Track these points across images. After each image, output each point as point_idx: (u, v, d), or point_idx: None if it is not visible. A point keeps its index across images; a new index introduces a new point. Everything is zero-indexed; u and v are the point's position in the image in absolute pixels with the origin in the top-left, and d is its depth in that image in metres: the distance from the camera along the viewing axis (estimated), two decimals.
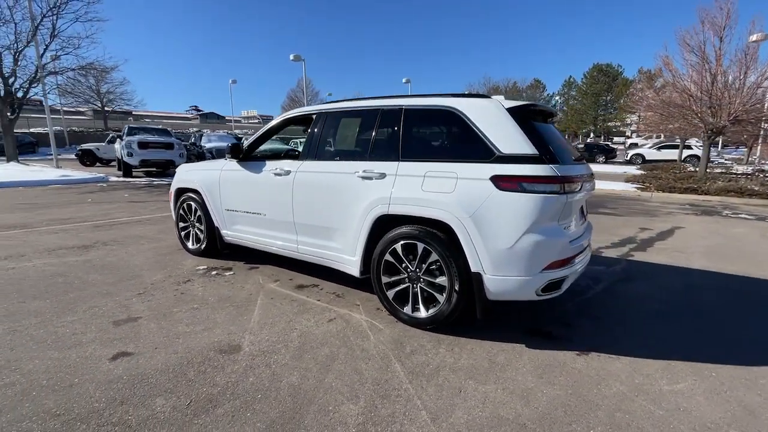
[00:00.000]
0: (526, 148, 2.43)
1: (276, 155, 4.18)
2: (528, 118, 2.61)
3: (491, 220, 2.40)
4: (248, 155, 3.89)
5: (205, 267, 4.03)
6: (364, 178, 2.92)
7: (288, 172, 3.42)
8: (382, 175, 2.84)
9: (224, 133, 19.43)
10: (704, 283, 3.86)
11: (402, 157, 2.84)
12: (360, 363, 2.32)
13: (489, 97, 2.68)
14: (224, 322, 2.81)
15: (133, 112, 69.61)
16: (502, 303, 3.13)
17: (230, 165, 3.95)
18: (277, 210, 3.53)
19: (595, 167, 22.63)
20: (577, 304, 3.30)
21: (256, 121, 77.23)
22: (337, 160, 3.22)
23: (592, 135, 53.45)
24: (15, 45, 12.83)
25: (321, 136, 3.38)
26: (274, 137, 4.31)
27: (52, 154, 14.56)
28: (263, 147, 4.11)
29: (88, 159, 17.46)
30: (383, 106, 3.06)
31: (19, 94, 13.32)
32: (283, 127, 3.90)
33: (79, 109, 45.05)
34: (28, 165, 14.04)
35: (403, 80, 30.81)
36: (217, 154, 14.57)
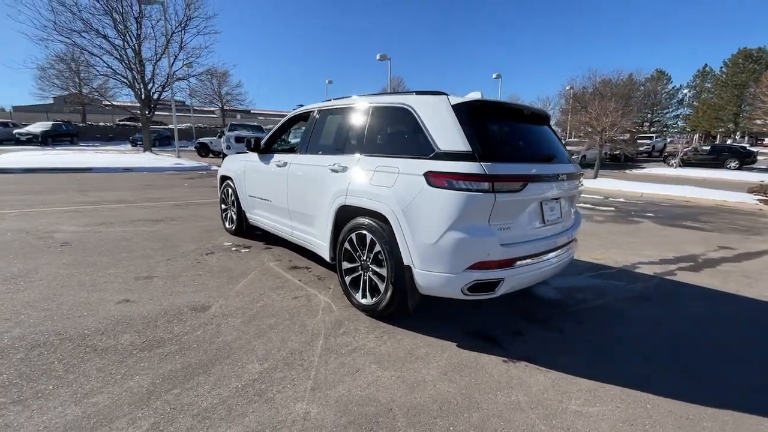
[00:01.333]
0: (460, 144, 2.41)
1: (286, 149, 4.64)
2: (477, 114, 2.56)
3: (420, 215, 2.45)
4: (266, 148, 4.41)
5: (230, 244, 4.70)
6: (333, 170, 3.16)
7: (285, 164, 3.84)
8: (345, 168, 3.05)
9: None
10: (738, 314, 3.22)
11: (364, 152, 3.01)
12: (291, 335, 2.60)
13: (440, 94, 2.69)
14: (212, 288, 3.34)
15: (251, 111, 79.64)
16: (464, 302, 3.10)
17: (253, 157, 4.52)
18: (278, 197, 3.97)
19: (720, 174, 18.94)
20: (552, 314, 3.08)
21: None
22: (320, 153, 3.52)
23: (733, 135, 44.33)
24: (154, 57, 15.92)
25: (311, 132, 3.71)
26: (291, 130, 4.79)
27: (181, 146, 17.71)
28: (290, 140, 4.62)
29: (203, 151, 20.70)
30: (349, 105, 3.27)
31: (155, 96, 16.51)
32: (293, 124, 4.33)
33: (210, 108, 53.39)
34: (158, 154, 17.33)
35: (493, 76, 29.54)
36: None
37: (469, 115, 2.52)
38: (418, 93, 2.84)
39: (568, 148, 20.01)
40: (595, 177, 14.83)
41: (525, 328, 2.84)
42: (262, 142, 4.40)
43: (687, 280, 4.01)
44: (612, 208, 8.80)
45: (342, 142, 3.28)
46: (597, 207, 8.92)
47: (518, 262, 2.51)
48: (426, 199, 2.43)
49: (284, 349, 2.41)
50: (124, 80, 15.27)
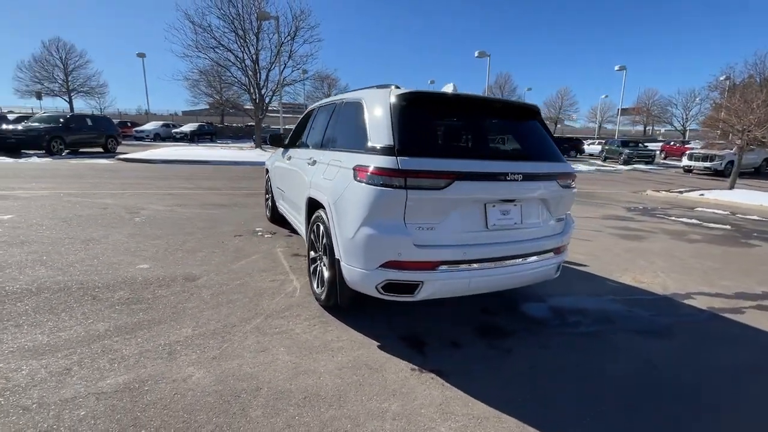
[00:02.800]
0: (386, 138, 2.33)
1: (295, 144, 4.89)
2: (412, 107, 2.43)
3: (345, 209, 2.45)
4: (289, 143, 4.79)
5: (261, 229, 5.25)
6: (309, 164, 3.33)
7: (290, 158, 4.14)
8: (315, 162, 3.19)
9: None
10: None
11: (329, 146, 3.10)
12: (239, 311, 2.86)
13: (386, 87, 2.61)
14: (214, 264, 3.82)
15: None
16: (426, 304, 2.98)
17: (279, 151, 4.96)
18: (286, 188, 4.31)
19: None
20: (517, 331, 2.73)
21: None
22: (308, 148, 3.71)
23: None
24: (268, 66, 18.25)
25: (308, 128, 3.92)
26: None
27: None
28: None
29: None
30: (333, 101, 3.36)
31: (266, 100, 18.92)
32: (307, 120, 4.61)
33: None
34: (266, 151, 19.82)
35: (616, 67, 25.88)
36: None
37: (404, 108, 2.41)
38: (378, 87, 2.80)
39: (704, 152, 16.69)
40: (731, 187, 11.92)
41: (469, 341, 2.60)
42: (283, 136, 4.80)
43: (752, 323, 3.07)
44: (727, 227, 7.04)
45: (320, 137, 3.42)
46: (705, 223, 7.23)
47: (443, 267, 2.32)
48: (350, 192, 2.42)
49: (222, 322, 2.68)
50: (244, 87, 17.93)
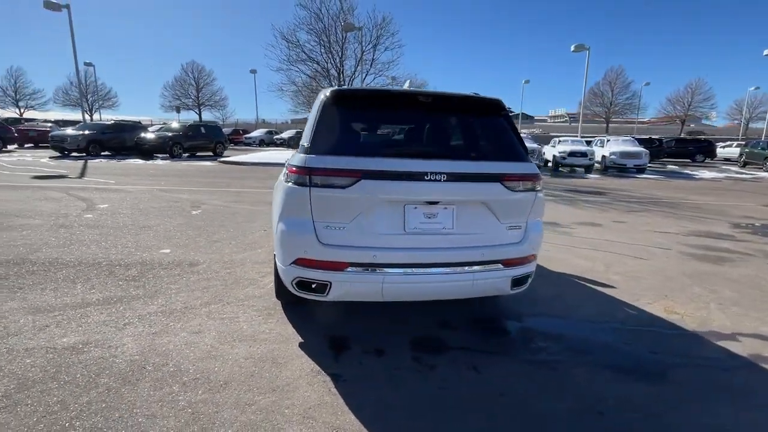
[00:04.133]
0: (307, 137, 2.35)
1: None
2: (338, 105, 2.39)
3: (273, 206, 2.53)
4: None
5: None
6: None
7: None
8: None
9: None
10: None
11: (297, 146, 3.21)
12: (207, 297, 3.14)
13: (329, 87, 2.60)
14: (224, 252, 4.24)
15: None
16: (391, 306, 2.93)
17: None
18: None
19: None
20: (457, 349, 2.47)
21: (563, 119, 73.18)
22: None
23: None
24: (352, 74, 19.28)
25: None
26: None
27: None
28: None
29: None
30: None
31: None
32: None
33: None
34: None
35: (765, 52, 20.97)
36: None
37: (328, 107, 2.39)
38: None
39: None
40: None
41: (397, 351, 2.44)
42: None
43: None
44: None
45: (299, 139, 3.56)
46: None
47: (351, 269, 2.23)
48: (277, 190, 2.50)
49: (186, 303, 2.98)
50: None
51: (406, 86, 3.15)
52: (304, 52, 18.09)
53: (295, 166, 2.25)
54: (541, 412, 1.95)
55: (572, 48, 20.36)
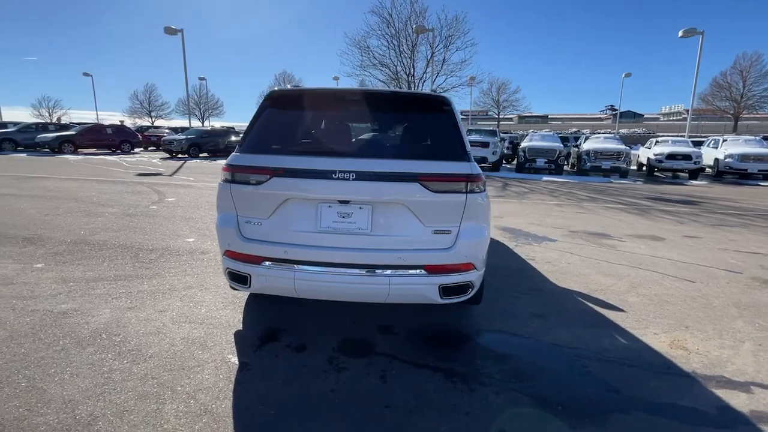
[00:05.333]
0: (243, 136, 2.47)
1: None
2: (275, 104, 2.47)
3: None
4: None
5: None
6: None
7: None
8: None
9: (548, 133, 18.84)
10: None
11: None
12: (194, 279, 3.50)
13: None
14: None
15: (549, 116, 77.25)
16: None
17: None
18: None
19: None
20: (376, 355, 2.38)
21: (680, 117, 62.85)
22: None
23: None
24: (422, 76, 19.30)
25: None
26: None
27: None
28: None
29: None
30: None
31: None
32: None
33: (508, 116, 57.01)
34: None
35: None
36: (528, 152, 15.13)
37: (264, 106, 2.49)
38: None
39: None
40: None
41: (318, 350, 2.45)
42: None
43: None
44: None
45: None
46: None
47: (266, 263, 2.30)
48: None
49: (170, 285, 3.36)
50: None
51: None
52: (375, 57, 18.65)
53: (225, 164, 2.41)
54: (419, 424, 1.79)
55: (680, 33, 17.49)
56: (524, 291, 3.52)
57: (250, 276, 2.37)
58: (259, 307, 3.01)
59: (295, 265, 2.27)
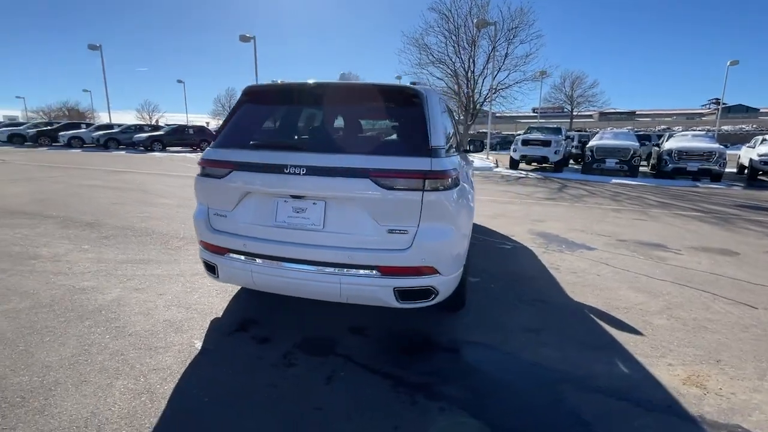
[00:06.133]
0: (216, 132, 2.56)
1: None
2: (248, 100, 2.50)
3: None
4: None
5: None
6: None
7: None
8: None
9: (622, 130, 16.63)
10: None
11: None
12: (188, 267, 3.72)
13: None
14: None
15: (637, 112, 69.43)
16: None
17: None
18: None
19: None
20: (334, 356, 2.30)
21: None
22: None
23: None
24: (484, 71, 18.51)
25: None
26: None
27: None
28: None
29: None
30: None
31: (478, 106, 19.16)
32: None
33: (587, 112, 52.44)
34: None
35: None
36: (597, 152, 13.76)
37: (239, 102, 2.55)
38: None
39: None
40: None
41: (280, 343, 2.45)
42: None
43: None
44: None
45: None
46: None
47: (230, 254, 2.35)
48: None
49: (180, 271, 3.62)
50: (454, 97, 18.87)
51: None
52: (433, 55, 18.29)
53: (199, 158, 2.52)
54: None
55: None
56: (528, 302, 3.19)
57: (216, 266, 2.45)
58: (247, 297, 3.11)
59: (254, 258, 2.31)
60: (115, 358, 2.25)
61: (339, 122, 2.57)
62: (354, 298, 2.23)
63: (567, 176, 13.60)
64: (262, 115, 2.54)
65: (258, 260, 2.30)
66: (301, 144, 2.34)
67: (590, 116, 61.46)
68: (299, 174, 2.13)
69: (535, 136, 14.75)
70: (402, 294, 2.17)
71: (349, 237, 2.16)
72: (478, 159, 18.15)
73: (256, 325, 2.70)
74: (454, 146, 3.26)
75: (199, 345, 2.42)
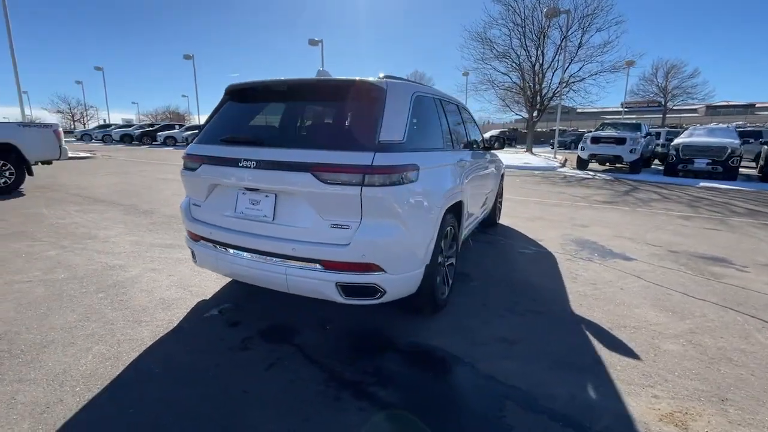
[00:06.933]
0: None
1: None
2: (229, 98, 2.65)
3: None
4: None
5: None
6: None
7: None
8: None
9: (719, 126, 13.83)
10: None
11: None
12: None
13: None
14: None
15: (757, 105, 58.62)
16: None
17: None
18: None
19: None
20: (286, 349, 2.36)
21: None
22: None
23: None
24: (552, 63, 17.21)
25: None
26: None
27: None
28: None
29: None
30: None
31: (545, 102, 17.82)
32: None
33: (689, 106, 45.90)
34: (537, 155, 18.69)
35: None
36: (683, 151, 11.99)
37: (225, 100, 2.70)
38: None
39: None
40: None
41: (246, 328, 2.58)
42: None
43: None
44: None
45: None
46: None
47: (202, 241, 2.53)
48: None
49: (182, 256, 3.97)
50: (520, 91, 17.73)
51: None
52: (496, 49, 17.44)
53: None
54: (243, 421, 1.75)
55: None
56: (519, 312, 2.93)
57: (194, 251, 2.67)
58: (237, 283, 3.31)
59: (217, 246, 2.46)
60: (105, 327, 2.57)
61: (298, 118, 2.63)
62: (299, 290, 2.27)
63: (644, 178, 12.06)
64: (236, 112, 2.69)
65: (220, 247, 2.46)
66: (256, 139, 2.43)
67: (694, 110, 53.69)
68: (251, 168, 2.23)
69: (608, 132, 13.30)
70: (345, 289, 2.16)
71: (295, 230, 2.20)
72: (541, 158, 17.01)
73: (233, 310, 2.87)
74: (451, 143, 3.13)
75: (176, 323, 2.65)
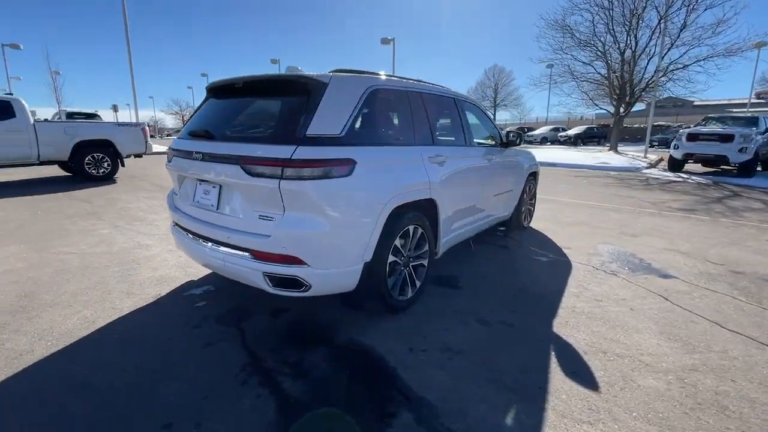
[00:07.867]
0: None
1: None
2: (209, 95, 2.85)
3: None
4: None
5: None
6: None
7: None
8: None
9: None
10: None
11: None
12: None
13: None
14: None
15: None
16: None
17: None
18: None
19: None
20: (230, 333, 2.49)
21: None
22: None
23: None
24: (646, 49, 15.01)
25: None
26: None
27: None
28: None
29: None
30: None
31: (636, 94, 15.58)
32: None
33: None
34: (623, 154, 16.41)
35: None
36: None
37: (205, 97, 2.91)
38: None
39: None
40: None
41: (214, 309, 2.76)
42: None
43: None
44: None
45: None
46: None
47: (175, 225, 2.78)
48: None
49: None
50: (605, 82, 15.71)
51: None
52: (577, 36, 15.75)
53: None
54: (153, 389, 1.90)
55: None
56: (488, 322, 2.68)
57: (174, 236, 2.95)
58: None
59: (184, 231, 2.69)
60: (103, 296, 2.98)
61: (243, 113, 2.72)
62: (236, 277, 2.38)
63: (756, 183, 9.94)
64: (210, 108, 2.87)
65: (185, 233, 2.68)
66: (206, 133, 2.56)
67: None
68: (199, 160, 2.40)
69: (710, 129, 11.21)
70: (272, 279, 2.21)
71: (231, 219, 2.31)
72: (627, 157, 15.10)
73: (211, 292, 3.10)
74: (431, 138, 2.98)
75: (156, 298, 2.97)
